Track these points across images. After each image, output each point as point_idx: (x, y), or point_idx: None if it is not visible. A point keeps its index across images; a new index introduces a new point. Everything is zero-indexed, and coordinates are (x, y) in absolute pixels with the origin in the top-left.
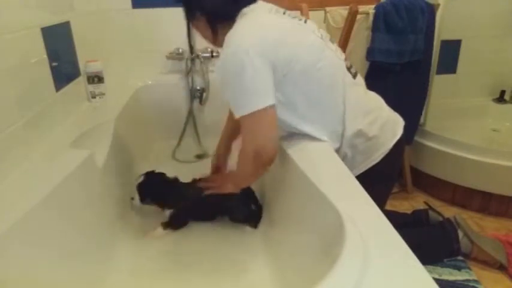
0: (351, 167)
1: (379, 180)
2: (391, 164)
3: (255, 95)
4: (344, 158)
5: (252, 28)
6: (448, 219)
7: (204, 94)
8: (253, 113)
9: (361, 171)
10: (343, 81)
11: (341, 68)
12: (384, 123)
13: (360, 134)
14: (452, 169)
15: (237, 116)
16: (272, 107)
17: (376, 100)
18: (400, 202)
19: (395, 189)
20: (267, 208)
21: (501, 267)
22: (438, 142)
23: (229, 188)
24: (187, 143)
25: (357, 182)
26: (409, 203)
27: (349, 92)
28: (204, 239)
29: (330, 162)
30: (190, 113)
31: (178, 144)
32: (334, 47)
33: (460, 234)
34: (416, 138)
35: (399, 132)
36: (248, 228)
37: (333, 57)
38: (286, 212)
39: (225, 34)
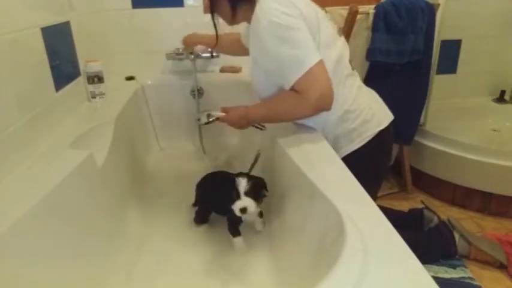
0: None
1: (359, 172)
2: (371, 156)
3: (307, 53)
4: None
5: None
6: (443, 222)
7: (205, 94)
8: (315, 65)
9: (341, 156)
10: (345, 69)
11: (346, 57)
12: (371, 115)
13: (343, 119)
14: (452, 169)
15: (298, 75)
16: (322, 61)
17: (367, 95)
18: (400, 202)
19: (395, 189)
20: (269, 209)
21: (501, 266)
22: (438, 142)
23: (242, 120)
24: (188, 143)
25: (357, 183)
26: (409, 203)
27: (346, 80)
28: (206, 240)
29: (331, 162)
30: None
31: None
32: (342, 39)
33: (456, 236)
34: (416, 138)
35: (383, 125)
36: (250, 231)
37: (341, 47)
38: (287, 213)
39: (243, 12)
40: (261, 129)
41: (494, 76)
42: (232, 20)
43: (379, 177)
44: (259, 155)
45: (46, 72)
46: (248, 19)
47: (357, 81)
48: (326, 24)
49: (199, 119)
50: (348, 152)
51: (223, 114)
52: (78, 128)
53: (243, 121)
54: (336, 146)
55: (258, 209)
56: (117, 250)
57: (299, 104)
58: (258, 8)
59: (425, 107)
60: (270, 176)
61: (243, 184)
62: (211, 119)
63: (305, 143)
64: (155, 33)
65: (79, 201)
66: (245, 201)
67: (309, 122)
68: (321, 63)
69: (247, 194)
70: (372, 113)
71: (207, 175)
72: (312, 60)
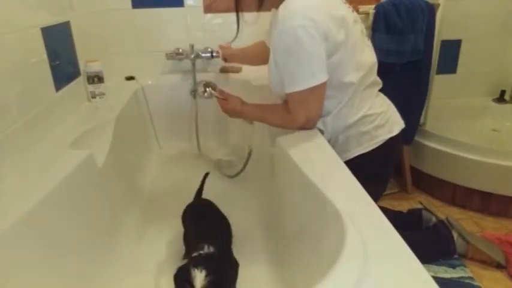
0: (342, 151)
1: (365, 175)
2: (379, 161)
3: (311, 72)
4: (335, 143)
5: (308, 2)
6: (441, 221)
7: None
8: (308, 89)
9: (350, 158)
10: (371, 77)
11: (375, 65)
12: (385, 120)
13: (357, 123)
14: (452, 169)
15: (290, 90)
16: (325, 83)
17: (384, 99)
18: (400, 202)
19: (395, 189)
20: (268, 209)
21: (498, 266)
22: (438, 142)
23: (235, 113)
24: (188, 143)
25: (357, 183)
26: (409, 203)
27: (369, 88)
28: None
29: (331, 162)
30: (197, 113)
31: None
32: (370, 44)
33: (455, 234)
34: (416, 138)
35: (394, 132)
36: (250, 231)
37: (370, 53)
38: (286, 213)
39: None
40: (250, 123)
41: (494, 76)
42: (260, 3)
43: (383, 182)
44: (251, 150)
45: (46, 72)
46: (276, 4)
47: (377, 87)
48: (357, 28)
49: (195, 90)
50: (357, 154)
51: (221, 97)
52: (78, 128)
53: (236, 114)
54: (345, 147)
55: None
56: (117, 250)
57: (286, 122)
58: (284, 6)
59: (425, 107)
60: (269, 176)
61: (199, 279)
62: (208, 95)
63: (305, 142)
64: (155, 33)
65: (79, 201)
66: None
67: (318, 124)
68: (319, 86)
69: None
70: (386, 118)
71: (189, 205)
72: (310, 81)
